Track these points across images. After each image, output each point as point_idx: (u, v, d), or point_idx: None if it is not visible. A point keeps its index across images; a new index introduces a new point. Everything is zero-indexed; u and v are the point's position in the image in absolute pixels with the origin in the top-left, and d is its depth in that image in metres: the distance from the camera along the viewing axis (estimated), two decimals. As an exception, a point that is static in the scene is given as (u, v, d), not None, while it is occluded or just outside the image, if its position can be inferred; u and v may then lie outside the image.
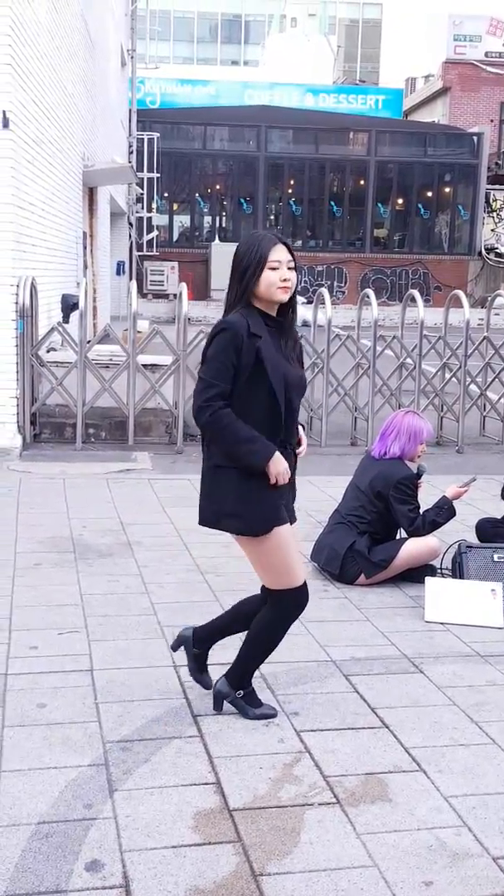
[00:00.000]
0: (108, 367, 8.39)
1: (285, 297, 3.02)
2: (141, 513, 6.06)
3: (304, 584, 3.15)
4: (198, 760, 2.99)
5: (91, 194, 15.70)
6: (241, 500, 3.01)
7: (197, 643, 3.36)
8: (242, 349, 2.95)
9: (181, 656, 3.76)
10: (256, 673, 3.63)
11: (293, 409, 3.10)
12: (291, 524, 3.15)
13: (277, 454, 3.00)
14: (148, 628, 4.10)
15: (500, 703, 3.47)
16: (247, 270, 2.99)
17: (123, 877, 2.40)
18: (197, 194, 27.76)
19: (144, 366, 8.36)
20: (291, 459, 3.12)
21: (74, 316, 10.00)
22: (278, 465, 2.99)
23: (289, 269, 3.00)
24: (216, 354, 2.98)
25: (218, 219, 28.53)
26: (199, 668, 3.38)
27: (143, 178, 22.88)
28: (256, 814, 2.70)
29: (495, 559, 4.64)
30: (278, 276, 2.97)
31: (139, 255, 23.77)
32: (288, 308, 3.09)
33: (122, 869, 2.43)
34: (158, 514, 6.07)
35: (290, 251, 3.03)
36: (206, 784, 2.85)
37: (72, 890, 2.35)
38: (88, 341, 8.48)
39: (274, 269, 2.97)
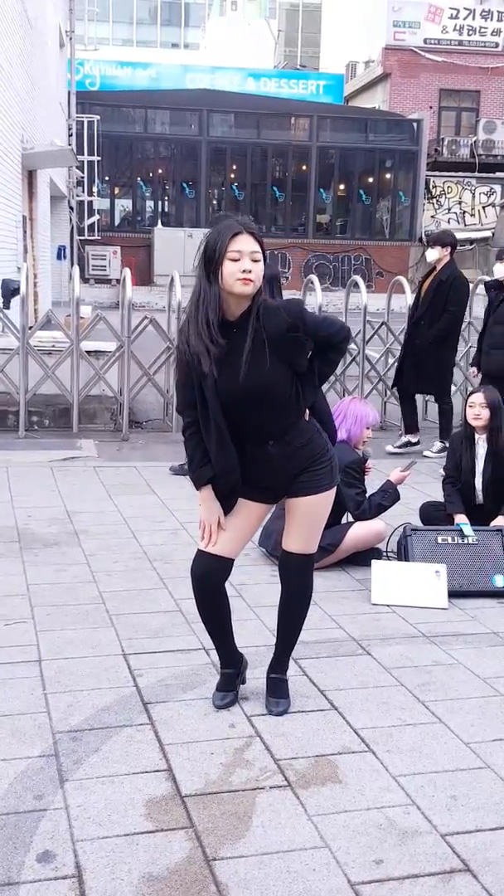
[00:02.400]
0: (50, 353, 8.28)
1: (246, 290, 2.82)
2: (87, 501, 6.00)
3: (204, 557, 3.10)
4: (149, 748, 2.98)
5: (30, 177, 15.44)
6: None
7: (277, 668, 3.34)
8: (190, 366, 2.93)
9: (129, 644, 3.76)
10: (206, 659, 3.64)
11: (249, 418, 2.97)
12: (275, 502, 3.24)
13: (205, 493, 3.04)
14: (96, 617, 4.07)
15: (446, 683, 3.53)
16: (210, 261, 2.86)
17: (76, 867, 2.39)
18: (138, 178, 27.48)
19: (88, 352, 8.26)
20: (270, 452, 3.04)
21: (15, 301, 9.85)
22: (204, 508, 3.06)
23: (253, 260, 2.82)
24: (177, 382, 3.10)
25: (160, 203, 28.28)
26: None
27: (83, 162, 22.56)
28: (208, 799, 2.71)
29: (439, 541, 4.71)
30: (238, 267, 2.80)
31: (80, 240, 23.46)
32: (253, 302, 2.89)
33: (74, 859, 2.42)
34: (105, 501, 6.02)
35: (258, 240, 2.85)
36: (158, 771, 2.85)
37: (24, 882, 2.33)
38: (30, 327, 8.35)
39: (234, 259, 2.81)
